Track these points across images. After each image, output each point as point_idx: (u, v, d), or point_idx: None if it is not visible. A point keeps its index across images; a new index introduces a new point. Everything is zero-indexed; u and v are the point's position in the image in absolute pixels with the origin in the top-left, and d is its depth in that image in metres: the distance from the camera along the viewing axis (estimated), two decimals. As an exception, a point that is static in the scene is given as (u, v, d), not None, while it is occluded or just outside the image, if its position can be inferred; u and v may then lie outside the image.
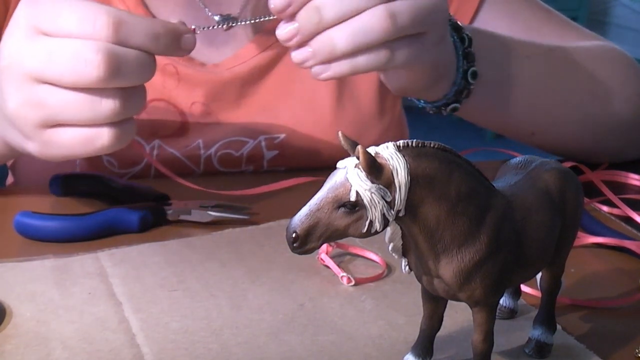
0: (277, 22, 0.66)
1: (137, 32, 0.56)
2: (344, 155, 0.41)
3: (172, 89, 0.79)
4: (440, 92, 0.70)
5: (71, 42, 0.54)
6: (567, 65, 0.79)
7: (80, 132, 0.56)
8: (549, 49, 0.79)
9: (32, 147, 0.58)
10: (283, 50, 0.82)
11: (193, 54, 0.80)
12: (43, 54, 0.55)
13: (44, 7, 0.56)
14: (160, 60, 0.80)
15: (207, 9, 0.79)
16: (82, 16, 0.54)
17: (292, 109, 0.82)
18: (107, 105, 0.55)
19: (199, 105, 0.79)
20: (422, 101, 0.73)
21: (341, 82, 0.84)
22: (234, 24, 0.67)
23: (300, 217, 0.39)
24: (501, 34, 0.76)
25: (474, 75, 0.70)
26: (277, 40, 0.81)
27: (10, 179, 0.89)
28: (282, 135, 0.81)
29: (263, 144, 0.81)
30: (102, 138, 0.56)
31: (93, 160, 0.78)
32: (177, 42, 0.58)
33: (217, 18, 0.82)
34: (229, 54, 0.81)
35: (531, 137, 0.82)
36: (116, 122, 0.57)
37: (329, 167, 0.41)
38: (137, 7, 0.77)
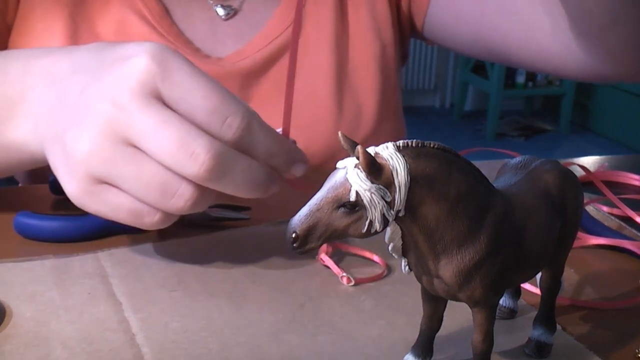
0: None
1: (259, 144, 0.52)
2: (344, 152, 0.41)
3: None
4: None
5: (192, 130, 0.49)
6: None
7: (131, 202, 0.51)
8: None
9: (71, 187, 0.52)
10: (285, 46, 0.83)
11: (198, 45, 0.82)
12: (152, 122, 0.49)
13: (177, 76, 0.50)
14: None
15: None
16: (216, 107, 0.49)
17: (293, 102, 0.83)
18: (178, 203, 0.50)
19: None
20: None
21: (342, 76, 0.85)
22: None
23: (300, 217, 0.39)
24: None
25: None
26: (279, 36, 0.83)
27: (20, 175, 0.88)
28: (278, 130, 0.82)
29: None
30: (150, 217, 0.51)
31: None
32: (288, 167, 0.55)
33: (219, 9, 0.83)
34: (232, 49, 0.82)
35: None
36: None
37: (330, 160, 0.41)
38: None
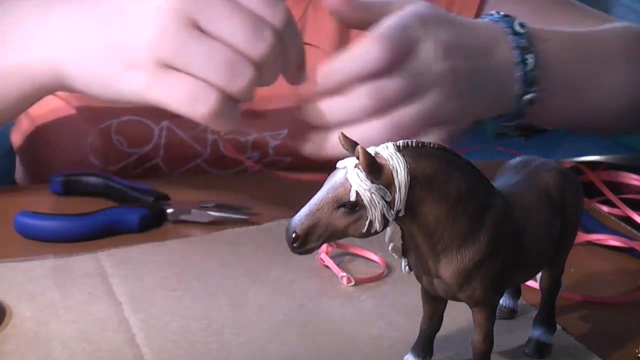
0: None
1: (295, 33, 0.58)
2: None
3: None
4: (487, 116, 0.68)
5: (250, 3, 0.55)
6: (619, 53, 0.77)
7: (192, 85, 0.55)
8: (604, 40, 0.76)
9: (135, 78, 0.56)
10: None
11: None
12: (222, 7, 0.54)
13: None
14: None
15: None
16: None
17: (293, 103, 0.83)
18: (242, 81, 0.55)
19: None
20: None
21: None
22: None
23: (300, 217, 0.39)
24: (562, 29, 0.73)
25: (531, 102, 0.67)
26: None
27: (18, 174, 0.88)
28: (285, 131, 0.82)
29: (267, 135, 0.81)
30: (208, 102, 0.55)
31: (104, 138, 0.78)
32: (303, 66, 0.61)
33: None
34: None
35: (587, 131, 0.81)
36: (227, 98, 0.55)
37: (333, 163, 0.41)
38: None
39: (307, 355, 0.49)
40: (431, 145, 0.40)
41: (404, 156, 0.39)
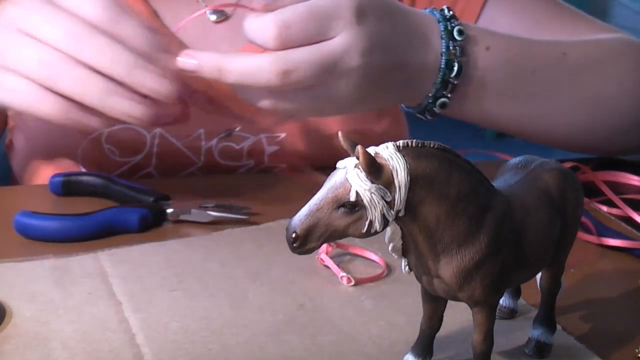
0: None
1: (127, 22, 0.60)
2: (345, 153, 0.41)
3: None
4: (391, 106, 0.71)
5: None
6: (578, 70, 0.77)
7: (28, 86, 0.59)
8: (563, 54, 0.76)
9: None
10: None
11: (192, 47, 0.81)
12: (46, 13, 0.59)
13: None
14: None
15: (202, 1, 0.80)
16: None
17: None
18: (71, 82, 0.59)
19: (199, 93, 0.79)
20: None
21: None
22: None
23: (300, 217, 0.39)
24: (518, 37, 0.74)
25: (443, 105, 0.68)
26: None
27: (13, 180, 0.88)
28: (283, 135, 0.81)
29: (264, 140, 0.81)
30: (45, 103, 0.59)
31: (94, 147, 0.78)
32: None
33: (208, 12, 0.82)
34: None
35: (529, 139, 0.82)
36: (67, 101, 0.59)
37: (330, 167, 0.41)
38: None
39: (307, 355, 0.49)
40: (431, 145, 0.40)
41: (404, 156, 0.39)
